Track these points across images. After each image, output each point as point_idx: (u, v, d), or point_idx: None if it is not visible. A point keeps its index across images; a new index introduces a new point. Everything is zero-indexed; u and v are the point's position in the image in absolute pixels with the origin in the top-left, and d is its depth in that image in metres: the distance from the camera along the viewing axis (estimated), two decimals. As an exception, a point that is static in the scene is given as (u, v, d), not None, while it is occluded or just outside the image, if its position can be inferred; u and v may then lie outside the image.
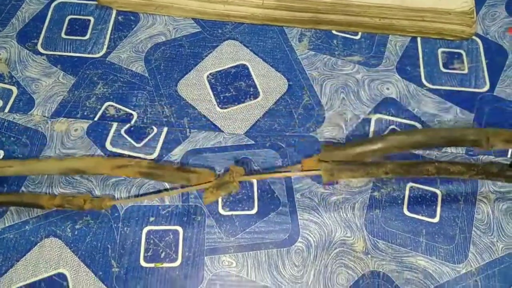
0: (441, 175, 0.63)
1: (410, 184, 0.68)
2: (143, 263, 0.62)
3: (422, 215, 0.67)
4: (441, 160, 0.63)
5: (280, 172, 0.67)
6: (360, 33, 0.81)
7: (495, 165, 0.63)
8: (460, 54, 0.80)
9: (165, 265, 0.63)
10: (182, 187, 0.65)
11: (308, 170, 0.62)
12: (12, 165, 0.64)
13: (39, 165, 0.64)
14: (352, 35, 0.81)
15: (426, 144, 0.60)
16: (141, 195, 0.66)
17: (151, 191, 0.67)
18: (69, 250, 0.63)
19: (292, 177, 0.68)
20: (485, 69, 0.79)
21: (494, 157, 0.70)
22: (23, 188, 0.66)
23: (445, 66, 0.78)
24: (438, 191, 0.68)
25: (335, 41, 0.80)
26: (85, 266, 0.62)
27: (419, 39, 0.81)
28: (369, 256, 0.64)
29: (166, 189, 0.66)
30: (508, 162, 0.69)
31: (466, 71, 0.78)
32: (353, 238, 0.65)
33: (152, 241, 0.64)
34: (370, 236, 0.65)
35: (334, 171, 0.60)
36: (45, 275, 0.62)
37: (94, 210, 0.63)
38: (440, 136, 0.60)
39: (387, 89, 0.76)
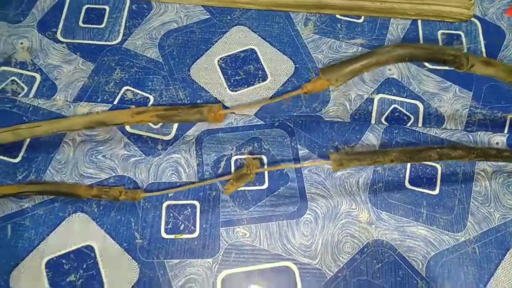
0: (443, 160, 0.67)
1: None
2: (164, 235, 0.67)
3: (422, 188, 0.71)
4: (443, 146, 0.66)
5: (293, 163, 0.72)
6: (362, 17, 0.85)
7: (494, 148, 0.67)
8: (459, 36, 0.83)
9: (184, 236, 0.67)
10: (202, 183, 0.70)
11: (307, 92, 0.65)
12: (40, 124, 0.68)
13: (65, 122, 0.68)
14: (355, 18, 0.85)
15: (411, 56, 0.63)
16: (169, 188, 0.70)
17: (169, 170, 0.71)
18: (96, 224, 0.68)
19: (300, 154, 0.72)
20: (483, 49, 0.82)
21: (492, 133, 0.74)
22: (49, 168, 0.71)
23: (444, 47, 0.82)
24: (438, 166, 0.72)
25: (339, 25, 0.84)
26: (110, 238, 0.67)
27: (419, 22, 0.84)
28: (373, 226, 0.68)
29: (192, 183, 0.71)
30: (505, 137, 0.73)
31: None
32: (358, 210, 0.69)
33: (171, 215, 0.68)
34: (373, 207, 0.69)
35: (343, 161, 0.64)
36: (74, 247, 0.66)
37: (128, 201, 0.68)
38: (424, 51, 0.63)
39: (389, 70, 0.79)
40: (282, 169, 0.71)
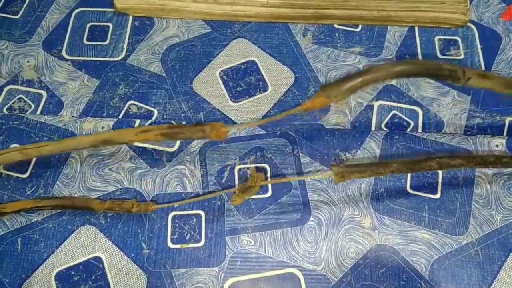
0: (443, 169, 0.68)
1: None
2: (170, 245, 0.68)
3: (424, 192, 0.72)
4: (442, 156, 0.67)
5: (295, 172, 0.73)
6: (360, 26, 0.86)
7: (492, 154, 0.69)
8: (456, 41, 0.84)
9: (190, 245, 0.69)
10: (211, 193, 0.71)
11: (307, 110, 0.65)
12: (47, 144, 0.69)
13: (71, 142, 0.69)
14: (352, 27, 0.86)
15: (409, 73, 0.64)
16: (176, 199, 0.72)
17: (174, 181, 0.72)
18: (103, 236, 0.69)
19: (302, 162, 0.74)
20: (480, 54, 0.83)
21: (492, 136, 0.75)
22: (58, 182, 0.72)
23: (441, 52, 0.83)
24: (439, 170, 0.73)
25: (337, 34, 0.86)
26: (118, 249, 0.68)
27: (416, 29, 0.86)
28: (376, 231, 0.69)
29: (199, 194, 0.72)
30: (504, 140, 0.74)
31: (462, 56, 0.83)
32: (361, 216, 0.70)
33: (177, 225, 0.70)
34: (376, 213, 0.70)
35: (344, 173, 0.65)
36: (83, 259, 0.68)
37: (140, 212, 0.69)
38: (421, 67, 0.64)
39: (388, 77, 0.81)
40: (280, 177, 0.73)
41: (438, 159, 0.66)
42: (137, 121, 0.76)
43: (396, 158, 0.73)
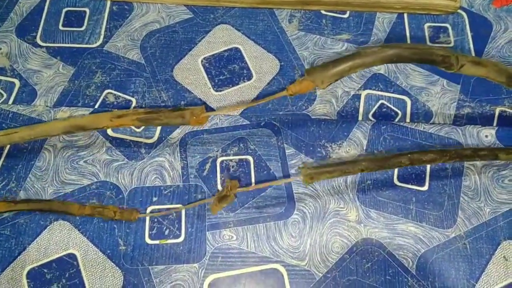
0: (415, 165, 0.66)
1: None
2: (148, 241, 0.66)
3: (411, 184, 0.70)
4: (413, 151, 0.65)
5: (275, 180, 0.70)
6: (348, 12, 0.84)
7: (468, 148, 0.67)
8: (446, 28, 0.82)
9: (169, 241, 0.66)
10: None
11: (292, 94, 0.63)
12: (18, 131, 0.67)
13: (44, 127, 0.67)
14: (340, 14, 0.83)
15: (400, 57, 0.61)
16: (171, 209, 0.68)
17: (153, 174, 0.70)
18: (78, 232, 0.66)
19: (286, 154, 0.71)
20: (470, 41, 0.81)
21: (481, 127, 0.73)
22: (30, 175, 0.69)
23: (431, 40, 0.81)
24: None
25: (324, 21, 0.83)
26: (93, 246, 0.65)
27: (405, 15, 0.83)
28: (362, 224, 0.67)
29: (190, 203, 0.69)
30: (494, 130, 0.72)
31: (452, 44, 0.81)
32: (346, 209, 0.68)
33: (156, 220, 0.67)
34: (362, 206, 0.68)
35: (313, 175, 0.63)
36: (56, 256, 0.65)
37: (123, 220, 0.66)
38: (412, 51, 0.61)
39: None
40: (270, 170, 0.70)
41: (409, 155, 0.63)
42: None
43: (366, 156, 0.71)
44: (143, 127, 0.73)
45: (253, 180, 0.70)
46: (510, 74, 0.64)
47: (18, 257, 0.65)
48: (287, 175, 0.70)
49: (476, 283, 0.64)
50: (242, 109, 0.74)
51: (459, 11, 0.83)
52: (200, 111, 0.67)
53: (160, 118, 0.66)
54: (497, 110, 0.75)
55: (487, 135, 0.72)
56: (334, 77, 0.61)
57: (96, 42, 0.80)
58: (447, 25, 0.82)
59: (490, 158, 0.67)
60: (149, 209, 0.68)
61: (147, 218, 0.67)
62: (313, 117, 0.74)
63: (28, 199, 0.68)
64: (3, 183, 0.69)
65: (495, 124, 0.74)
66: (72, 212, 0.65)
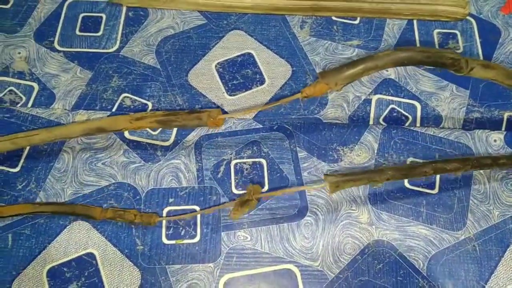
0: (439, 173, 0.68)
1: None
2: (165, 240, 0.67)
3: (422, 187, 0.71)
4: (437, 160, 0.66)
5: (292, 166, 0.72)
6: (358, 18, 0.85)
7: (488, 156, 0.69)
8: (455, 34, 0.83)
9: (185, 241, 0.67)
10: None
11: (307, 97, 0.64)
12: (38, 133, 0.68)
13: (63, 130, 0.69)
14: (351, 20, 0.85)
15: (411, 60, 0.63)
16: (183, 213, 0.69)
17: (169, 175, 0.71)
18: (96, 232, 0.68)
19: (299, 157, 0.73)
20: (479, 47, 0.82)
21: (490, 131, 0.74)
22: (49, 177, 0.71)
23: (440, 46, 0.82)
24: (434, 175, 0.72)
25: (335, 27, 0.84)
26: (111, 245, 0.67)
27: (415, 22, 0.85)
28: (374, 226, 0.68)
29: (210, 207, 0.71)
30: (503, 135, 0.73)
31: (461, 50, 0.82)
32: (358, 211, 0.69)
33: (172, 220, 0.69)
34: (374, 208, 0.69)
35: (339, 183, 0.64)
36: (76, 255, 0.67)
37: (142, 224, 0.68)
38: (423, 55, 0.63)
39: (386, 70, 0.80)
40: (282, 172, 0.72)
41: (433, 164, 0.65)
42: (131, 114, 0.75)
43: (391, 165, 0.72)
44: (159, 130, 0.74)
45: (266, 183, 0.71)
46: (518, 78, 0.65)
47: (39, 256, 0.66)
48: (299, 178, 0.71)
49: (486, 284, 0.65)
50: (257, 111, 0.76)
51: (468, 17, 0.85)
52: (216, 113, 0.68)
53: (178, 120, 0.68)
54: (506, 115, 0.76)
55: (496, 140, 0.73)
56: (348, 79, 0.63)
57: (112, 47, 0.82)
58: (456, 31, 0.84)
59: (509, 167, 0.68)
60: (165, 210, 0.69)
61: (164, 220, 0.68)
62: (325, 121, 0.76)
63: (53, 202, 0.69)
64: (24, 183, 0.70)
65: (503, 128, 0.75)
66: (94, 215, 0.67)
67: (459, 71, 0.63)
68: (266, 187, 0.71)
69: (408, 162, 0.72)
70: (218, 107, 0.77)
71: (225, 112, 0.76)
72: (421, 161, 0.70)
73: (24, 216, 0.68)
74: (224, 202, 0.70)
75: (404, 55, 0.62)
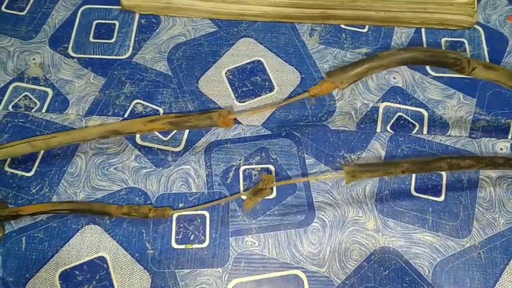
0: (453, 170, 0.68)
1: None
2: (174, 245, 0.69)
3: (428, 195, 0.72)
4: (452, 156, 0.67)
5: (300, 172, 0.73)
6: (367, 26, 0.86)
7: (501, 156, 0.69)
8: (462, 43, 0.84)
9: (195, 246, 0.69)
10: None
11: (313, 96, 0.66)
12: (56, 135, 0.70)
13: (80, 133, 0.71)
14: (359, 28, 0.86)
15: (414, 59, 0.63)
16: (194, 206, 0.71)
17: (179, 181, 0.73)
18: (108, 236, 0.69)
19: (307, 163, 0.74)
20: (486, 56, 0.83)
21: (496, 139, 0.75)
22: (62, 181, 0.73)
23: (448, 54, 0.83)
24: (443, 173, 0.73)
25: (343, 35, 0.85)
26: (123, 249, 0.69)
27: (423, 30, 0.85)
28: (380, 233, 0.69)
29: (220, 198, 0.72)
30: (509, 143, 0.74)
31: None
32: (365, 218, 0.70)
33: (182, 225, 0.70)
34: (380, 215, 0.70)
35: (355, 173, 0.65)
36: (87, 258, 0.68)
37: (157, 218, 0.70)
38: (426, 54, 0.63)
39: (394, 78, 0.81)
40: (290, 178, 0.73)
41: (448, 160, 0.66)
42: (143, 121, 0.76)
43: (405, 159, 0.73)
44: (169, 136, 0.76)
45: (274, 189, 0.72)
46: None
47: (51, 259, 0.68)
48: (307, 184, 0.72)
49: (491, 292, 0.66)
50: (266, 118, 0.77)
51: (475, 26, 0.85)
52: (227, 113, 0.70)
53: (190, 120, 0.69)
54: (513, 124, 0.77)
55: (502, 148, 0.74)
56: (353, 78, 0.64)
57: (125, 54, 0.83)
58: (464, 39, 0.84)
59: None
60: (175, 215, 0.70)
61: (174, 224, 0.70)
62: (332, 128, 0.77)
63: (71, 201, 0.72)
64: (37, 187, 0.72)
65: (510, 137, 0.76)
66: (111, 211, 0.68)
67: (461, 71, 0.63)
68: (274, 194, 0.72)
69: (420, 173, 0.73)
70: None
71: (235, 121, 0.77)
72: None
73: (43, 213, 0.69)
74: (237, 194, 0.71)
75: (407, 55, 0.63)
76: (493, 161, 0.68)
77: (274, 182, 0.69)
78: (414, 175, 0.73)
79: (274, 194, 0.72)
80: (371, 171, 0.65)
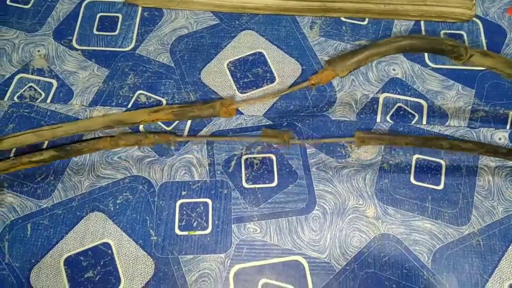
0: (453, 150, 0.70)
1: (416, 155, 0.74)
2: (178, 232, 0.70)
3: (427, 183, 0.73)
4: (454, 138, 0.69)
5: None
6: (367, 19, 0.87)
7: (504, 147, 0.71)
8: (461, 35, 0.85)
9: (198, 232, 0.70)
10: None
11: (314, 84, 0.68)
12: (61, 125, 0.72)
13: (85, 122, 0.72)
14: (359, 21, 0.87)
15: (412, 47, 0.65)
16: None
17: (182, 169, 0.74)
18: (112, 222, 0.70)
19: (307, 153, 0.75)
20: (485, 48, 0.84)
21: (495, 129, 0.76)
22: (67, 170, 0.74)
23: (447, 46, 0.84)
24: (442, 161, 0.74)
25: (344, 27, 0.87)
26: (127, 236, 0.70)
27: (422, 23, 0.87)
28: (380, 221, 0.70)
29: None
30: (507, 133, 0.75)
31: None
32: (365, 205, 0.71)
33: (185, 212, 0.71)
34: (380, 203, 0.71)
35: (365, 138, 0.69)
36: (92, 244, 0.69)
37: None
38: (424, 41, 0.65)
39: (394, 69, 0.82)
40: (291, 167, 0.74)
41: (450, 140, 0.68)
42: (146, 111, 0.77)
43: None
44: (173, 125, 0.77)
45: (275, 178, 0.73)
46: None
47: (56, 246, 0.69)
48: (308, 173, 0.73)
49: (489, 278, 0.67)
50: (267, 108, 0.78)
51: (474, 19, 0.86)
52: (229, 102, 0.71)
53: (193, 110, 0.70)
54: (511, 114, 0.78)
55: (501, 138, 0.75)
56: (353, 65, 0.65)
57: (128, 46, 0.84)
58: (463, 32, 0.85)
59: None
60: (178, 203, 0.71)
61: (177, 211, 0.71)
62: (333, 118, 0.78)
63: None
64: (42, 176, 0.73)
65: (508, 127, 0.77)
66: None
67: (458, 58, 0.65)
68: (275, 182, 0.73)
69: (414, 159, 0.74)
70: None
71: (237, 112, 0.78)
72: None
73: (41, 206, 0.71)
74: (256, 137, 0.72)
75: (405, 42, 0.64)
76: (495, 150, 0.69)
77: (291, 139, 0.72)
78: (413, 163, 0.74)
79: (275, 182, 0.73)
80: (379, 139, 0.69)
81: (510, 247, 0.68)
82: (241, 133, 0.77)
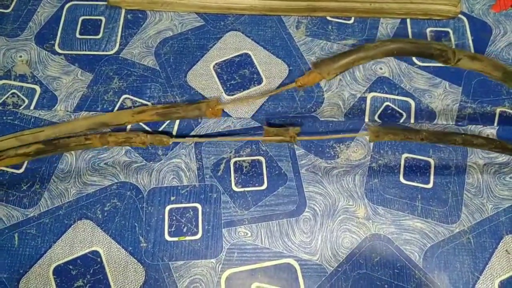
0: (466, 145, 0.71)
1: (405, 154, 0.74)
2: (167, 238, 0.69)
3: (417, 182, 0.73)
4: (467, 133, 0.69)
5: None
6: (353, 18, 0.87)
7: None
8: (447, 33, 0.85)
9: (188, 238, 0.69)
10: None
11: (301, 86, 0.68)
12: (43, 129, 0.70)
13: (68, 126, 0.71)
14: (345, 20, 0.87)
15: (400, 51, 0.65)
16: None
17: (170, 174, 0.73)
18: (101, 230, 0.69)
19: (297, 154, 0.74)
20: (471, 45, 0.84)
21: (483, 126, 0.76)
22: (53, 177, 0.72)
23: (433, 44, 0.84)
24: (431, 160, 0.74)
25: (330, 27, 0.86)
26: (116, 243, 0.69)
27: (408, 20, 0.86)
28: (370, 221, 0.70)
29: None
30: (495, 130, 0.75)
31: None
32: (355, 206, 0.71)
33: (174, 218, 0.70)
34: (370, 203, 0.71)
35: (379, 133, 0.68)
36: (81, 253, 0.68)
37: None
38: (411, 45, 0.65)
39: (380, 69, 0.82)
40: (281, 169, 0.73)
41: (463, 135, 0.69)
42: (132, 115, 0.76)
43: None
44: (160, 129, 0.76)
45: (265, 180, 0.73)
46: (505, 70, 0.66)
47: (45, 255, 0.68)
48: (298, 175, 0.73)
49: (480, 275, 0.67)
50: (255, 110, 0.77)
51: (459, 16, 0.87)
52: (215, 103, 0.70)
53: (178, 111, 0.69)
54: (498, 110, 0.78)
55: (488, 135, 0.75)
56: (340, 69, 0.65)
57: (112, 49, 0.83)
58: (449, 29, 0.85)
59: None
60: (167, 208, 0.71)
61: (166, 217, 0.70)
62: (321, 119, 0.77)
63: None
64: (28, 184, 0.72)
65: (495, 124, 0.77)
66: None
67: (446, 62, 0.65)
68: (265, 185, 0.72)
69: (403, 158, 0.74)
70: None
71: (224, 114, 0.78)
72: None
73: (27, 215, 0.69)
74: (258, 137, 0.71)
75: (393, 46, 0.64)
76: (504, 146, 0.70)
77: (297, 135, 0.71)
78: (402, 163, 0.74)
79: (265, 185, 0.72)
80: (393, 134, 0.69)
81: (500, 244, 0.69)
82: (229, 136, 0.76)
